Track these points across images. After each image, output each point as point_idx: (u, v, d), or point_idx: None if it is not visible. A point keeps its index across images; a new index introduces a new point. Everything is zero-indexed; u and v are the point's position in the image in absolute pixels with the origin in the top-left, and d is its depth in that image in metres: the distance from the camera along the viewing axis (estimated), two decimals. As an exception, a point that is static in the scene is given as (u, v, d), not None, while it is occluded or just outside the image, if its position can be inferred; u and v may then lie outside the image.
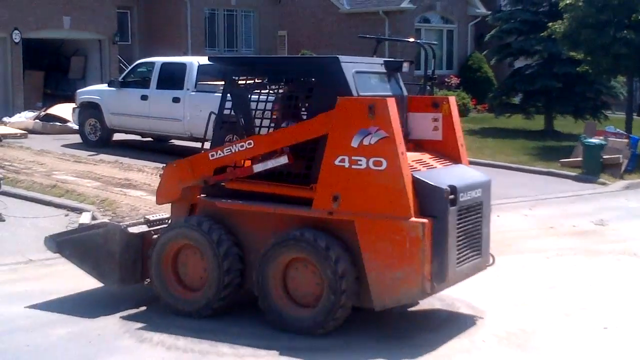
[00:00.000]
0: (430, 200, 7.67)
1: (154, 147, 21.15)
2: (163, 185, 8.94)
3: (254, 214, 8.31)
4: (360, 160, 7.70)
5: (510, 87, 27.43)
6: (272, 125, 8.48)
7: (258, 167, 8.30)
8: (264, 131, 8.45)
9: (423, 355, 7.55)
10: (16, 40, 26.15)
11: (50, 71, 30.15)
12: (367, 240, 7.69)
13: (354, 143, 7.72)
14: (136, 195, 14.48)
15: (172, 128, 19.61)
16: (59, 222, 12.61)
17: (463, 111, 30.61)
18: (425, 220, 7.53)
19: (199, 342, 7.74)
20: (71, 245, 8.96)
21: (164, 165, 9.00)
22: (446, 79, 33.51)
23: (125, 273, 8.77)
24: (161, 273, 8.62)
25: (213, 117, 8.75)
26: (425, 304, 8.94)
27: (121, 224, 9.09)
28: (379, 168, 7.65)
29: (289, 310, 7.99)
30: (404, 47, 33.33)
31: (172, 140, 21.42)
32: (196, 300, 8.43)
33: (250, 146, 8.25)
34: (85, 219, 12.45)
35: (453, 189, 7.73)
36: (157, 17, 32.86)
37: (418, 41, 10.34)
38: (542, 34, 24.81)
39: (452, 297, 9.22)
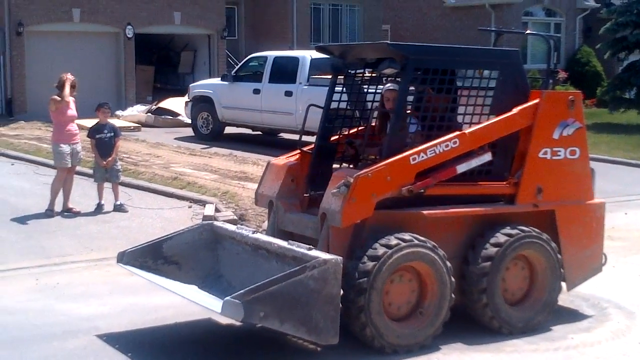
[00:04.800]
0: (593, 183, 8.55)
1: (264, 140, 21.24)
2: (353, 200, 7.09)
3: (448, 219, 7.67)
4: (559, 151, 8.12)
5: (625, 81, 26.56)
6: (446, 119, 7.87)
7: (462, 168, 7.63)
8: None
9: (581, 357, 7.31)
10: (129, 36, 26.62)
11: (160, 66, 30.62)
12: (564, 226, 8.15)
13: (555, 135, 8.09)
14: (254, 187, 14.39)
15: (284, 121, 19.65)
16: (183, 214, 12.69)
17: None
18: (604, 200, 8.56)
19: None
20: (269, 302, 6.40)
21: (350, 178, 7.12)
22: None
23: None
24: (381, 307, 7.07)
25: (311, 109, 8.43)
26: (570, 304, 8.68)
27: (334, 256, 6.78)
28: (574, 157, 8.20)
29: (503, 308, 7.74)
30: (509, 40, 32.74)
31: (282, 134, 21.50)
32: (420, 331, 7.26)
33: (456, 145, 7.51)
34: (209, 210, 12.49)
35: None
36: (263, 12, 33.02)
37: (541, 34, 9.99)
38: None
39: (597, 296, 8.93)
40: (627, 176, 18.11)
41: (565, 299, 8.67)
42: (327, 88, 8.67)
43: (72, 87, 12.45)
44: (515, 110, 7.91)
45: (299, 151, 8.48)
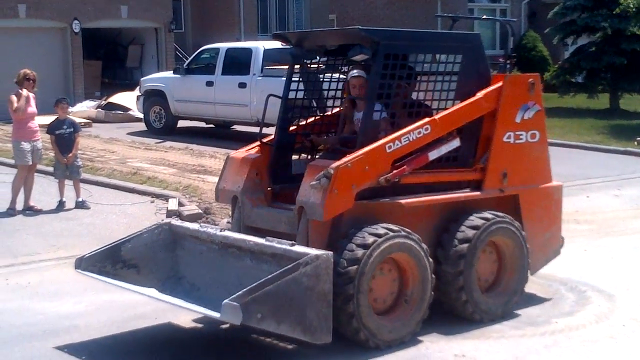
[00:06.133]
0: None
1: (218, 133, 21.03)
2: (335, 192, 6.86)
3: (424, 208, 7.50)
4: (521, 134, 8.10)
5: (575, 64, 26.70)
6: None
7: (433, 154, 7.48)
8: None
9: (569, 341, 7.26)
10: (76, 30, 26.16)
11: (108, 61, 30.18)
12: (527, 209, 8.14)
13: (517, 118, 8.06)
14: (214, 181, 14.23)
15: (238, 113, 19.44)
16: (146, 209, 12.49)
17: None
18: (561, 183, 8.61)
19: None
20: (265, 302, 6.10)
21: (330, 169, 6.86)
22: (500, 59, 32.93)
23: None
24: (370, 309, 6.89)
25: (271, 99, 8.18)
26: (548, 288, 8.68)
27: (324, 251, 6.54)
28: (534, 140, 8.19)
29: (481, 299, 7.63)
30: (457, 27, 32.82)
31: (235, 126, 21.29)
32: (409, 319, 7.12)
33: (427, 131, 7.38)
34: (172, 205, 12.29)
35: None
36: (209, 4, 32.70)
37: (499, 19, 9.97)
38: (615, 11, 24.09)
39: (574, 280, 8.95)
40: (583, 159, 18.27)
41: (542, 283, 8.70)
42: (282, 78, 8.46)
43: (33, 80, 12.25)
44: (480, 94, 7.83)
45: (258, 143, 8.14)
